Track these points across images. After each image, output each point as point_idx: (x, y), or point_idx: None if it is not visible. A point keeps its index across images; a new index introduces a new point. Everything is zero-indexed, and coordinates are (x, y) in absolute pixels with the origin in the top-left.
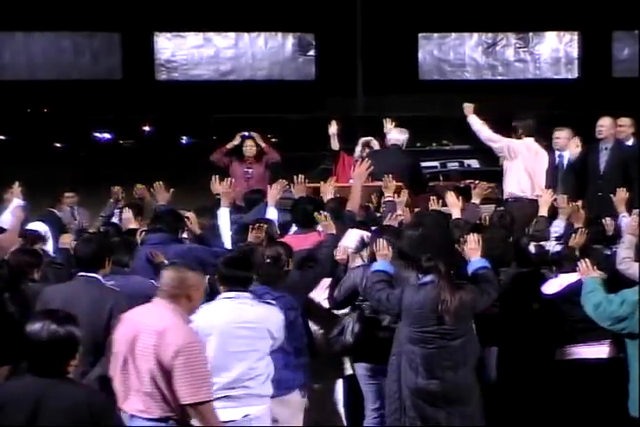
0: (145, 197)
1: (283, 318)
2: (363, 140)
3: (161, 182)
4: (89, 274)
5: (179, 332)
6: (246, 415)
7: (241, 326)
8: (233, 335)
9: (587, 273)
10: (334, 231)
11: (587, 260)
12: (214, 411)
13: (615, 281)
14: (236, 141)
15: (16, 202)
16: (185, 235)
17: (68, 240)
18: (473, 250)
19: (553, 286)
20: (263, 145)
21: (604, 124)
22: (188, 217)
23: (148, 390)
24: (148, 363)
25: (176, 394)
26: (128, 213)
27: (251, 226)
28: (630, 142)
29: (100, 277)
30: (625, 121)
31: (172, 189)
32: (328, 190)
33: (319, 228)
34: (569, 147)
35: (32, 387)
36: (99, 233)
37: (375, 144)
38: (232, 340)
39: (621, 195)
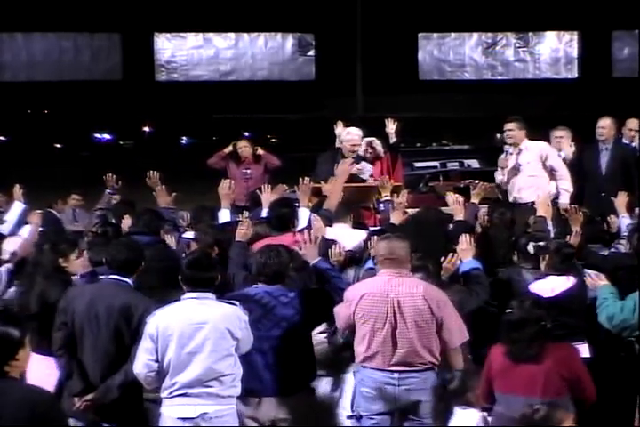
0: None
1: (245, 319)
2: (365, 140)
3: (163, 186)
4: (121, 278)
5: (435, 288)
6: (204, 413)
7: (199, 326)
8: (191, 335)
9: (596, 284)
10: (325, 234)
11: (591, 274)
12: None
13: (613, 282)
14: (231, 148)
15: (17, 204)
16: (191, 234)
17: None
18: (465, 251)
19: (544, 288)
20: (262, 153)
21: (605, 126)
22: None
23: (416, 346)
24: (419, 322)
25: (446, 339)
26: (128, 221)
27: (240, 223)
28: (631, 142)
29: (130, 282)
30: (634, 125)
31: (174, 194)
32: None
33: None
34: (563, 146)
35: None
36: (97, 234)
37: (378, 144)
38: (190, 340)
39: (622, 198)
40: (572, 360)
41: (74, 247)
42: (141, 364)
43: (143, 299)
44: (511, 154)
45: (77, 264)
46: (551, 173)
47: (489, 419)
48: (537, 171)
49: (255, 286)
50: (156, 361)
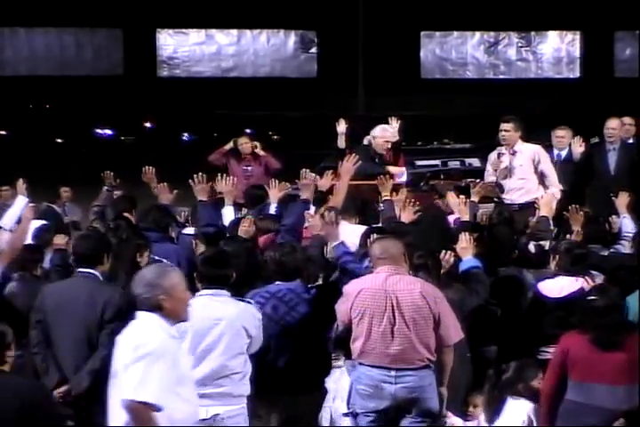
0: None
1: (259, 318)
2: (367, 138)
3: (165, 183)
4: (87, 270)
5: (431, 285)
6: (216, 415)
7: (214, 322)
8: (206, 332)
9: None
10: (320, 231)
11: (587, 278)
12: None
13: (614, 282)
14: (231, 145)
15: (21, 199)
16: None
17: (62, 241)
18: (464, 249)
19: (553, 288)
20: (263, 154)
21: (615, 127)
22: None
23: (414, 343)
24: (417, 318)
25: (443, 336)
26: (132, 218)
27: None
28: (631, 140)
29: (97, 274)
30: (629, 120)
31: (175, 191)
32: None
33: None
34: (573, 146)
35: None
36: (109, 229)
37: None
38: (204, 337)
39: (623, 197)
40: None
41: (148, 242)
42: None
43: (106, 287)
44: (503, 154)
45: (146, 259)
46: (541, 177)
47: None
48: (528, 174)
49: (277, 282)
50: None
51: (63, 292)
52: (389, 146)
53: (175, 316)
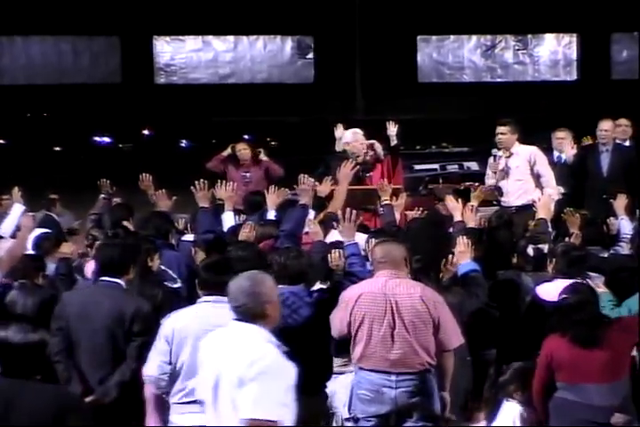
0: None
1: None
2: (366, 142)
3: (163, 190)
4: (111, 279)
5: (431, 290)
6: None
7: (215, 329)
8: None
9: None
10: (322, 238)
11: (588, 280)
12: None
13: (614, 283)
14: (229, 151)
15: (17, 207)
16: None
17: (68, 250)
18: (463, 253)
19: (551, 292)
20: (266, 159)
21: (608, 129)
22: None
23: (414, 347)
24: (417, 322)
25: (443, 341)
26: (130, 226)
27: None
28: (627, 143)
29: (122, 283)
30: (625, 121)
31: (174, 197)
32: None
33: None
34: (565, 148)
35: (4, 388)
36: (107, 236)
37: (378, 147)
38: None
39: (621, 200)
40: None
41: (156, 246)
42: (155, 366)
43: (133, 299)
44: (500, 157)
45: (157, 263)
46: (537, 178)
47: (525, 414)
48: (524, 176)
49: (280, 286)
50: (170, 364)
51: (86, 300)
52: (365, 147)
53: (274, 322)
